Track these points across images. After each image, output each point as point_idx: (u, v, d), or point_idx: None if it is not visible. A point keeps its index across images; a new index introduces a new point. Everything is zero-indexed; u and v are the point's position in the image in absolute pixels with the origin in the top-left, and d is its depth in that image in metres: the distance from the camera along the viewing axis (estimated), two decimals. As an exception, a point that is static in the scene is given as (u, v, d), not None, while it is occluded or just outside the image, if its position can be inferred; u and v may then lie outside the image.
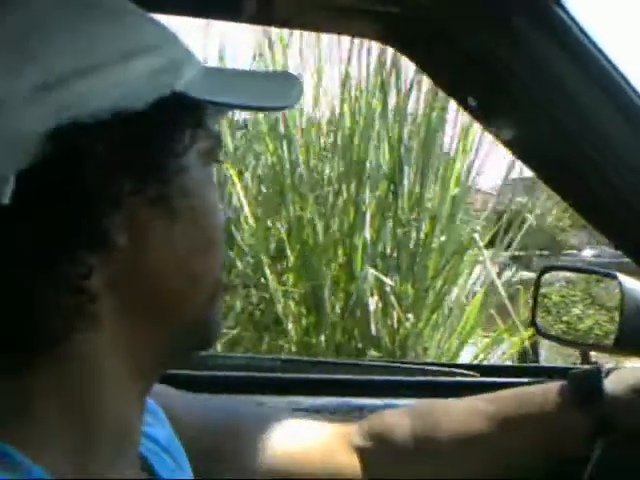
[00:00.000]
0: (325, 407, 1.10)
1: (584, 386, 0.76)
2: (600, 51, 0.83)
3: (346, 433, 0.82)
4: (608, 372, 0.76)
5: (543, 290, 1.10)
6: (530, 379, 1.14)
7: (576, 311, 1.82)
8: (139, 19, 0.51)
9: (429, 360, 3.47)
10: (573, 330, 1.68)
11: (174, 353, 0.55)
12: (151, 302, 0.51)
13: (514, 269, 4.42)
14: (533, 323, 1.10)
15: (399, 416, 0.84)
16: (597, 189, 0.94)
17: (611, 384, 0.75)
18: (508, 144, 0.99)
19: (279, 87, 0.56)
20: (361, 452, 0.81)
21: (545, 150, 0.96)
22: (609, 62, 0.84)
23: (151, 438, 0.61)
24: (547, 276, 1.09)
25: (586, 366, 0.78)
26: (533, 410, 0.77)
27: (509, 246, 4.18)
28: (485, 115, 0.96)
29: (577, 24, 0.82)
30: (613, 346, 0.99)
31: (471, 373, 1.17)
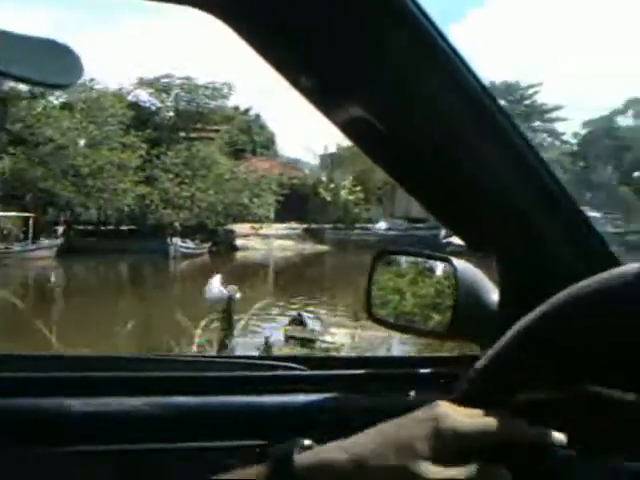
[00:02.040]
0: (147, 408, 1.01)
1: (274, 468, 0.66)
2: (442, 35, 0.81)
3: None
4: (304, 448, 0.67)
5: (377, 275, 1.07)
6: (360, 370, 1.12)
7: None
8: None
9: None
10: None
11: None
12: None
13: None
14: (367, 308, 1.08)
15: None
16: (439, 173, 0.93)
17: (302, 462, 0.65)
18: (341, 124, 0.95)
19: (63, 62, 0.49)
20: None
21: (380, 132, 0.93)
22: (450, 46, 0.82)
23: None
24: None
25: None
26: None
27: (302, 219, 4.28)
28: (320, 95, 0.91)
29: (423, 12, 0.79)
30: (447, 332, 0.99)
31: (298, 367, 1.12)
